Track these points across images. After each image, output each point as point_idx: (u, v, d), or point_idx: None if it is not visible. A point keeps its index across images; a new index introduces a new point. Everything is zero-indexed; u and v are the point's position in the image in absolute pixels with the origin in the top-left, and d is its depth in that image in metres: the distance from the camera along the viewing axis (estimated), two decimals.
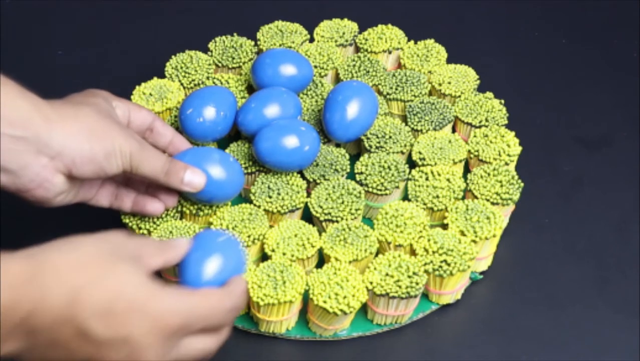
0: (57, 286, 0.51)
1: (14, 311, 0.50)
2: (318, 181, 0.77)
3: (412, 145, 0.80)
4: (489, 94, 0.84)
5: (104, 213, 0.80)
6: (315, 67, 0.87)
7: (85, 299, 0.51)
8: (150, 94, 0.83)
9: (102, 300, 0.51)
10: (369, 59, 0.87)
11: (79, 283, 0.51)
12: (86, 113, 0.64)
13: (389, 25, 0.91)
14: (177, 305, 0.53)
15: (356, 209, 0.74)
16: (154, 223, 0.73)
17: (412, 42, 0.90)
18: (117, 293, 0.52)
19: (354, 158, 0.81)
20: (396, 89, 0.84)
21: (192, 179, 0.70)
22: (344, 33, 0.91)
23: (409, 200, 0.76)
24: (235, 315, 0.59)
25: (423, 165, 0.78)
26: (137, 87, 0.84)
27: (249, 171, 0.78)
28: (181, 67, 0.86)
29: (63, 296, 0.50)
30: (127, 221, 0.74)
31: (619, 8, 1.02)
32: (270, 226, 0.74)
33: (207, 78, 0.86)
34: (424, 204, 0.75)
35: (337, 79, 0.88)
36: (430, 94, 0.86)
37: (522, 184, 0.76)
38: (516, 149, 0.79)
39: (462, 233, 0.72)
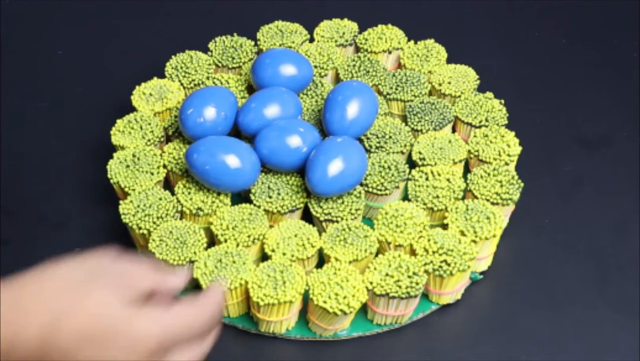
0: (37, 314, 0.50)
1: None
2: None
3: (412, 145, 0.80)
4: (489, 94, 0.84)
5: (106, 216, 0.80)
6: (315, 67, 0.87)
7: (65, 326, 0.50)
8: (150, 94, 0.83)
9: (80, 327, 0.51)
10: (369, 59, 0.87)
11: (57, 310, 0.51)
12: None
13: (389, 25, 0.91)
14: (153, 326, 0.53)
15: (356, 209, 0.74)
16: (154, 223, 0.73)
17: (412, 42, 0.90)
18: (95, 319, 0.51)
19: None
20: (396, 89, 0.84)
21: None
22: (344, 33, 0.91)
23: (409, 200, 0.76)
24: (215, 322, 0.57)
25: (423, 165, 0.78)
26: (137, 87, 0.84)
27: None
28: (181, 67, 0.86)
29: (43, 324, 0.50)
30: (127, 220, 0.73)
31: (619, 8, 1.02)
32: (270, 226, 0.74)
33: (207, 78, 0.86)
34: (424, 204, 0.75)
35: (337, 79, 0.88)
36: (430, 94, 0.86)
37: (522, 184, 0.76)
38: (516, 149, 0.79)
39: (462, 233, 0.72)
